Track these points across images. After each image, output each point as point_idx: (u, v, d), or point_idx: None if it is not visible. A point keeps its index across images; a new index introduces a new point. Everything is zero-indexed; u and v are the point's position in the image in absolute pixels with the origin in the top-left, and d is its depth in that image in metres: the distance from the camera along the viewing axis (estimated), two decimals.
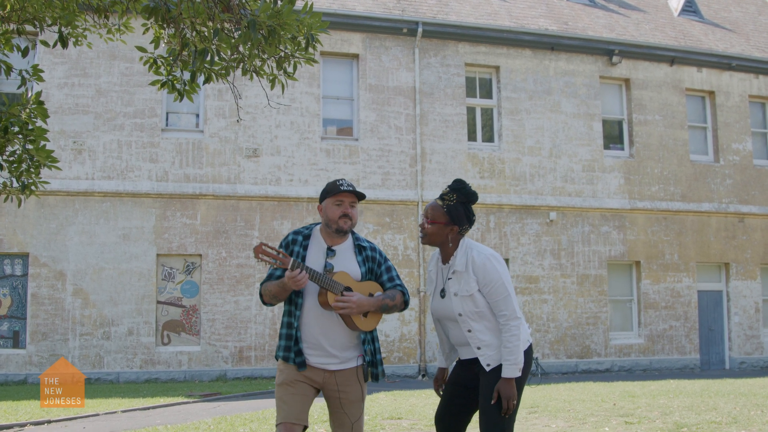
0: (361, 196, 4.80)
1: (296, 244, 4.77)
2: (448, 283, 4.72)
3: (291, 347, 4.63)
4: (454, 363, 4.99)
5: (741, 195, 22.71)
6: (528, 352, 4.65)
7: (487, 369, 4.58)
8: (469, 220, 4.76)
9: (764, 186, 23.03)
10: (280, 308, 18.26)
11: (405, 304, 4.84)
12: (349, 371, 4.69)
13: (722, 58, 23.02)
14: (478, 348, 4.61)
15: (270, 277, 4.71)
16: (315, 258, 4.73)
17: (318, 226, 4.89)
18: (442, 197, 4.79)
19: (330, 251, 4.74)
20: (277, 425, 4.60)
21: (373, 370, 4.74)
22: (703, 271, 22.35)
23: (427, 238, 4.79)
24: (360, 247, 4.86)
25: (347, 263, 4.75)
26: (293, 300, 4.66)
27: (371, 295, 4.69)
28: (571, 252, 20.81)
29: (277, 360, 4.73)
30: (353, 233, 4.90)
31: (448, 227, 4.74)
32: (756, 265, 22.61)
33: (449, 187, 4.80)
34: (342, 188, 4.70)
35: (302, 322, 4.65)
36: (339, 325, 4.63)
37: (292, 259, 4.42)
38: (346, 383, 4.67)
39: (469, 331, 4.62)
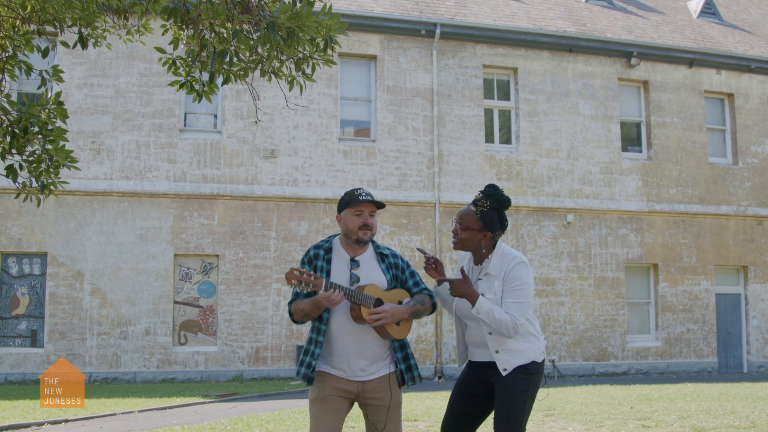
0: (380, 206, 4.77)
1: (319, 258, 4.74)
2: (478, 283, 4.72)
3: (310, 362, 4.61)
4: (465, 365, 4.98)
5: (760, 198, 22.56)
6: (539, 367, 4.67)
7: (504, 373, 4.58)
8: (502, 225, 4.75)
9: None
10: None
11: (434, 307, 4.83)
12: (381, 379, 4.67)
13: (741, 60, 22.88)
14: (497, 351, 4.61)
15: (297, 296, 4.68)
16: (339, 270, 4.71)
17: (337, 238, 4.86)
18: (475, 203, 4.77)
19: (353, 262, 4.73)
20: None
21: (409, 373, 4.74)
22: (721, 274, 22.22)
23: (460, 244, 4.79)
24: (382, 255, 4.84)
25: (372, 273, 4.73)
26: (320, 316, 4.64)
27: (400, 302, 4.68)
28: (588, 254, 20.73)
29: (301, 376, 4.67)
30: (373, 242, 4.87)
31: (481, 233, 4.73)
32: None
33: (482, 192, 4.78)
34: (361, 198, 4.66)
35: (332, 336, 4.64)
36: (370, 336, 4.62)
37: (324, 280, 4.39)
38: (378, 390, 4.66)
39: (490, 333, 4.62)
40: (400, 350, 4.74)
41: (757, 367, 21.95)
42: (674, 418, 9.53)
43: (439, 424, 9.02)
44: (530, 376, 4.60)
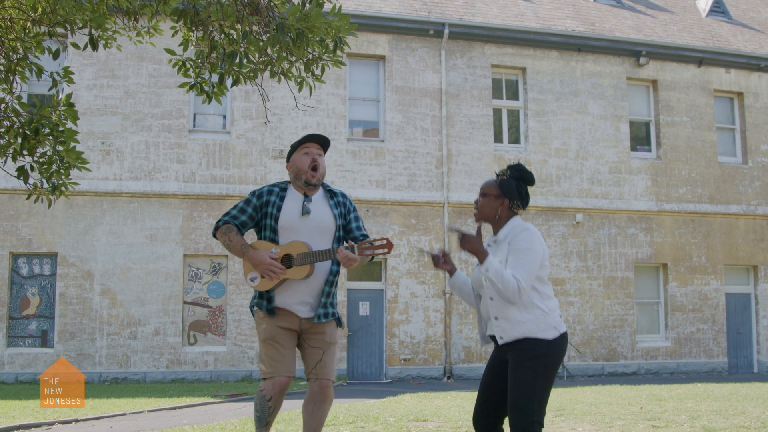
0: (325, 142, 5.20)
1: (272, 194, 5.13)
2: (488, 250, 4.66)
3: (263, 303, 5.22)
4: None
5: None
6: (550, 347, 4.49)
7: (500, 342, 4.55)
8: (520, 196, 4.73)
9: None
10: None
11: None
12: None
13: (751, 59, 22.82)
14: (496, 318, 4.55)
15: (233, 218, 5.23)
16: (292, 206, 5.09)
17: (289, 183, 5.26)
18: (497, 174, 4.84)
19: (307, 198, 5.13)
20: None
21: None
22: (731, 273, 22.16)
23: (479, 213, 4.79)
24: (331, 193, 5.23)
25: (322, 209, 5.15)
26: None
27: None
28: (597, 254, 20.70)
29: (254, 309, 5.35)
30: (324, 185, 5.24)
31: (498, 200, 4.73)
32: None
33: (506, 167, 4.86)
34: (308, 136, 5.13)
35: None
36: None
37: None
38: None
39: (491, 299, 4.56)
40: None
41: None
42: (684, 419, 9.51)
43: (449, 425, 9.02)
44: (539, 359, 4.44)
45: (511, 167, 4.79)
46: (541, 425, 4.43)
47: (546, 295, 4.59)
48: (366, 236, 5.14)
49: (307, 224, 5.09)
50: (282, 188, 5.19)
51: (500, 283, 4.37)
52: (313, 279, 5.07)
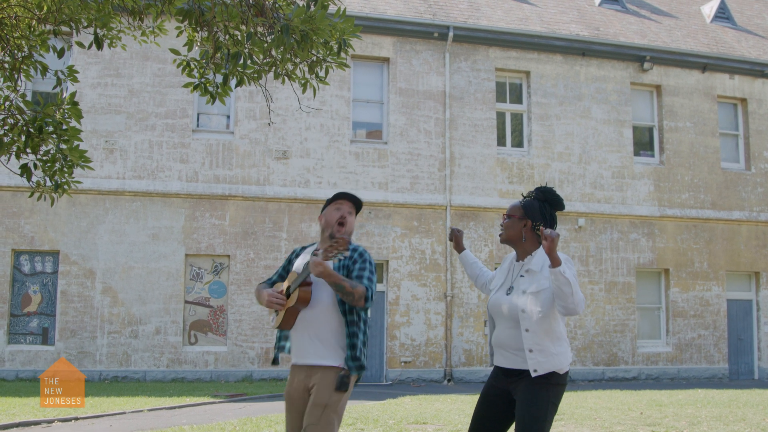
0: (357, 202, 4.96)
1: (294, 252, 5.10)
2: (519, 280, 4.66)
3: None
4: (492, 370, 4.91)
5: None
6: (563, 379, 4.54)
7: (533, 374, 4.46)
8: (544, 217, 4.72)
9: None
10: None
11: (364, 300, 4.58)
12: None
13: (755, 65, 22.81)
14: (530, 351, 4.48)
15: (269, 279, 5.21)
16: (304, 258, 4.93)
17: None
18: (522, 196, 4.86)
19: (314, 254, 4.66)
20: None
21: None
22: (732, 279, 22.15)
23: (504, 234, 4.80)
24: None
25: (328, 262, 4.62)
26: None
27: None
28: (599, 259, 20.70)
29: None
30: (352, 246, 4.81)
31: (521, 222, 4.73)
32: None
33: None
34: (340, 194, 4.92)
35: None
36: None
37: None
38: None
39: (527, 330, 4.50)
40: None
41: None
42: (684, 425, 9.51)
43: (448, 428, 9.03)
44: (552, 387, 4.48)
45: (537, 189, 4.80)
46: None
47: (563, 326, 4.65)
48: (365, 280, 4.70)
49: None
50: (303, 247, 5.13)
51: (576, 287, 4.32)
52: (319, 313, 4.72)
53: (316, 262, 4.41)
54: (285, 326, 4.79)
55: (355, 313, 4.67)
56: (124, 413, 11.29)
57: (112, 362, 17.52)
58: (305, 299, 4.64)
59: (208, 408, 12.37)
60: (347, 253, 4.45)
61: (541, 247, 4.60)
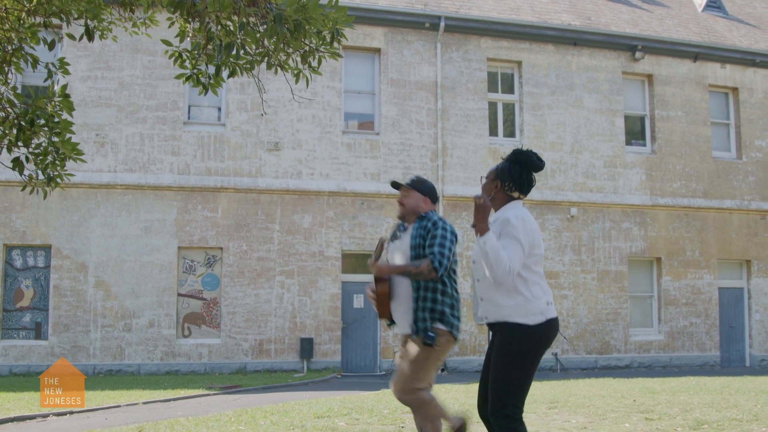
0: (396, 186, 5.79)
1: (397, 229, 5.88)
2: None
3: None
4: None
5: (763, 192, 22.54)
6: (541, 328, 4.52)
7: (483, 321, 4.68)
8: (512, 179, 4.78)
9: None
10: (299, 302, 18.32)
11: (433, 271, 5.21)
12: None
13: (746, 55, 22.84)
14: (481, 299, 4.66)
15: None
16: (392, 246, 5.76)
17: None
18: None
19: (402, 227, 5.74)
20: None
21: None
22: (724, 268, 22.22)
23: (482, 195, 4.82)
24: (420, 218, 5.58)
25: (405, 236, 5.60)
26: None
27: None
28: (591, 248, 20.74)
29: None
30: (426, 216, 5.59)
31: (494, 182, 4.83)
32: None
33: None
34: (392, 185, 5.93)
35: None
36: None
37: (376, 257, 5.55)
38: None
39: (477, 280, 4.69)
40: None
41: (760, 361, 21.96)
42: (677, 411, 9.54)
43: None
44: (517, 342, 4.48)
45: (513, 152, 4.88)
46: (517, 407, 4.47)
47: (532, 281, 4.59)
48: (432, 254, 5.26)
49: (396, 247, 5.63)
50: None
51: (495, 259, 4.39)
52: (400, 297, 5.50)
53: (370, 264, 5.39)
54: (382, 315, 5.56)
55: (430, 286, 5.35)
56: (119, 406, 11.28)
57: (106, 356, 17.50)
58: (384, 293, 5.46)
59: (202, 400, 12.37)
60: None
61: (507, 204, 4.78)
